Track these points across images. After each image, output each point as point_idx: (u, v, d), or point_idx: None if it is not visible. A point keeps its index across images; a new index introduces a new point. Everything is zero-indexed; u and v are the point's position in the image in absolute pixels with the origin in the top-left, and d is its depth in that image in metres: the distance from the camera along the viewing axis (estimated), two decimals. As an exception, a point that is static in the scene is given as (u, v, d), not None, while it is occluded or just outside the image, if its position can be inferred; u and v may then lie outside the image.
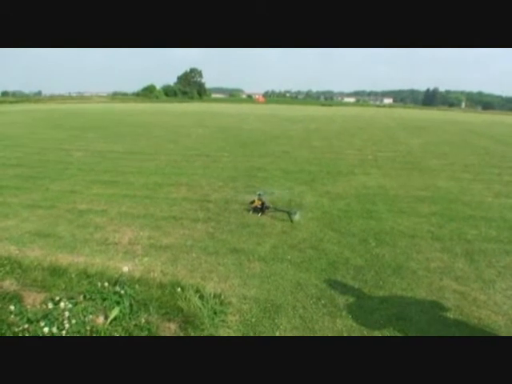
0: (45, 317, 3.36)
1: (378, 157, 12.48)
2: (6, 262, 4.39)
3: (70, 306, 3.50)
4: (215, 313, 3.53)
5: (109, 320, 3.37)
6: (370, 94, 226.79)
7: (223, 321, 3.48)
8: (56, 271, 4.20)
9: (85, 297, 3.70)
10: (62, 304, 3.50)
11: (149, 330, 3.29)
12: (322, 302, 3.85)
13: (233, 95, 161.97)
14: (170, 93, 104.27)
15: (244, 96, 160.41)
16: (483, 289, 4.17)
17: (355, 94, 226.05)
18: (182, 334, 3.28)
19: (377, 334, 3.36)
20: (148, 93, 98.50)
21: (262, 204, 6.33)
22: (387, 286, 4.19)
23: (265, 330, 3.38)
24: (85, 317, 3.40)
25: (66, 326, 3.23)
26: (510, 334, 3.39)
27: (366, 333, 3.37)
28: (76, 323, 3.28)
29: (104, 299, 3.67)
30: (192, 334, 3.26)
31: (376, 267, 4.61)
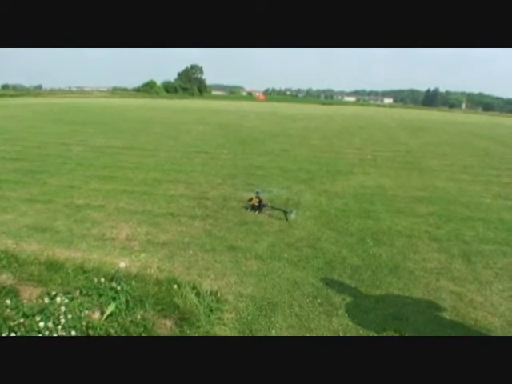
0: (41, 311, 3.35)
1: (378, 156, 12.48)
2: (2, 255, 4.39)
3: (66, 301, 3.49)
4: (211, 310, 3.53)
5: (105, 316, 3.37)
6: (370, 93, 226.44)
7: (219, 318, 3.48)
8: (53, 266, 4.20)
9: (81, 292, 3.69)
10: (58, 299, 3.49)
11: (144, 326, 3.29)
12: (319, 300, 3.85)
13: (233, 92, 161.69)
14: (170, 89, 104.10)
15: (244, 93, 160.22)
16: (480, 290, 4.17)
17: (355, 93, 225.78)
18: (177, 331, 3.28)
19: (373, 333, 3.36)
20: (148, 88, 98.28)
21: (260, 202, 6.33)
22: (384, 286, 4.19)
23: (261, 328, 3.38)
24: (81, 312, 3.39)
25: (62, 321, 3.23)
26: (506, 335, 3.39)
27: (361, 332, 3.37)
28: (72, 318, 3.28)
29: (100, 295, 3.67)
30: (188, 331, 3.25)
31: (373, 267, 4.61)
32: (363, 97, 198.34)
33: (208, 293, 3.73)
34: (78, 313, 3.38)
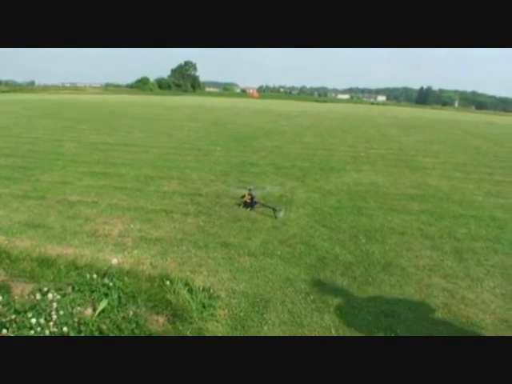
0: (32, 308, 3.34)
1: (371, 154, 12.51)
2: (-6, 252, 4.37)
3: (58, 297, 3.48)
4: (204, 306, 3.54)
5: (97, 312, 3.36)
6: (363, 91, 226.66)
7: (212, 314, 3.48)
8: (45, 262, 4.18)
9: (73, 288, 3.68)
10: (50, 295, 3.48)
11: (137, 322, 3.28)
12: (311, 297, 3.86)
13: (227, 89, 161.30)
14: (163, 85, 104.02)
15: (238, 90, 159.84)
16: (471, 287, 4.20)
17: (349, 90, 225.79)
18: (170, 327, 3.28)
19: (364, 330, 3.38)
20: (141, 85, 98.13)
21: (252, 199, 6.33)
22: (376, 283, 4.21)
23: (253, 325, 3.38)
24: (73, 308, 3.38)
25: (54, 317, 3.21)
26: (497, 332, 3.42)
27: (353, 329, 3.38)
28: (64, 314, 3.27)
29: (92, 291, 3.66)
30: (180, 328, 3.26)
31: (365, 264, 4.63)
32: (357, 94, 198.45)
33: (201, 289, 3.73)
34: (70, 309, 3.37)
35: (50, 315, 3.24)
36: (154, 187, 7.56)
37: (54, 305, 3.35)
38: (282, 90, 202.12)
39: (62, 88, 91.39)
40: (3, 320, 3.18)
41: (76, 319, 3.25)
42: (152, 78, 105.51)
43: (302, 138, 16.07)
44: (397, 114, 43.03)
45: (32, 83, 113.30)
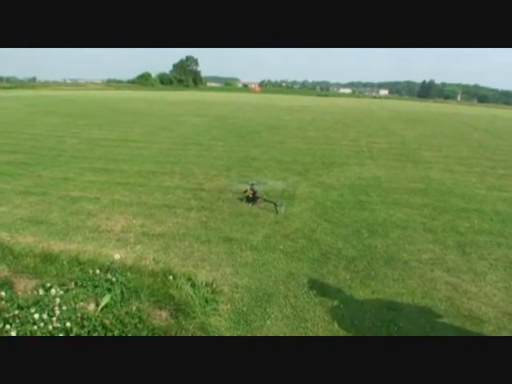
0: (36, 303, 3.34)
1: (373, 148, 12.50)
2: (-3, 248, 4.37)
3: (61, 292, 3.49)
4: (207, 301, 3.54)
5: (100, 307, 3.36)
6: (365, 85, 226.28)
7: (215, 309, 3.48)
8: (48, 258, 4.18)
9: (76, 284, 3.69)
10: (53, 291, 3.48)
11: (140, 317, 3.28)
12: (314, 291, 3.86)
13: (229, 84, 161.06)
14: (165, 81, 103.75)
15: (240, 85, 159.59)
16: (474, 281, 4.19)
17: (351, 84, 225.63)
18: (173, 322, 3.28)
19: (367, 323, 3.37)
20: (143, 80, 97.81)
21: (254, 194, 6.32)
22: (379, 277, 4.20)
23: (256, 319, 3.39)
24: (76, 304, 3.38)
25: (57, 312, 3.22)
26: (499, 325, 3.41)
27: (356, 322, 3.38)
28: (67, 310, 3.27)
29: (95, 286, 3.66)
30: (183, 322, 3.26)
31: (368, 258, 4.62)
32: (359, 88, 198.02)
33: (203, 284, 3.73)
34: (73, 304, 3.37)
35: (53, 310, 3.24)
36: (156, 182, 7.56)
37: (57, 300, 3.35)
38: (283, 84, 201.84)
39: (63, 84, 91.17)
40: (6, 316, 3.18)
41: (79, 314, 3.25)
42: (154, 74, 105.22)
43: (304, 132, 16.05)
44: (399, 107, 42.92)
45: (33, 80, 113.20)
